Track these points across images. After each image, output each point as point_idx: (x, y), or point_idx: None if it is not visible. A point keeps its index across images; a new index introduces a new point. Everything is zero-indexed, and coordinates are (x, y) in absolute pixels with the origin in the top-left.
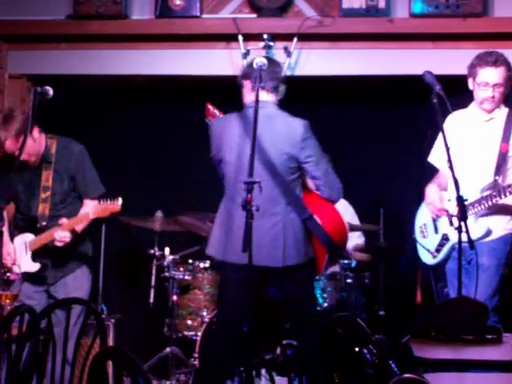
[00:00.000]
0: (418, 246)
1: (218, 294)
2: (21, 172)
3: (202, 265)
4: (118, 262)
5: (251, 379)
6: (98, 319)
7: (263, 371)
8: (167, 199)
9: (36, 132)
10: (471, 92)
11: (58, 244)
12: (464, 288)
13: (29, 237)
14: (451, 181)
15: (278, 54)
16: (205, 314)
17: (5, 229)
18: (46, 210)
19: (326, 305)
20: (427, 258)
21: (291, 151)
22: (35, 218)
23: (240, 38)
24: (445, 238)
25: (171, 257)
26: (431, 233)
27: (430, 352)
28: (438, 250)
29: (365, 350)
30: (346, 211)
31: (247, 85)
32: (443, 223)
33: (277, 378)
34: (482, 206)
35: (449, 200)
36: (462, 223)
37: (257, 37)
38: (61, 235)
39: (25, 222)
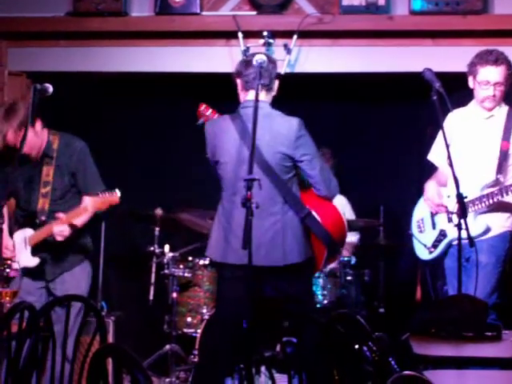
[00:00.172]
0: (414, 241)
1: (217, 293)
2: (22, 167)
3: (201, 262)
4: (117, 260)
5: (251, 376)
6: (98, 316)
7: (263, 368)
8: (167, 196)
9: (38, 126)
10: (471, 89)
11: (58, 238)
12: (463, 285)
13: (28, 232)
14: (451, 178)
15: (278, 51)
16: (204, 311)
17: (5, 226)
18: (45, 205)
19: (325, 302)
20: (423, 253)
21: (286, 150)
22: (35, 212)
23: (240, 35)
24: (442, 234)
25: (171, 254)
26: (428, 228)
27: (429, 349)
28: (434, 246)
29: (364, 348)
30: (344, 208)
31: (239, 83)
32: (441, 219)
33: (276, 376)
34: (483, 204)
35: (448, 196)
36: (462, 220)
37: (257, 34)
38: (59, 229)
39: (24, 218)
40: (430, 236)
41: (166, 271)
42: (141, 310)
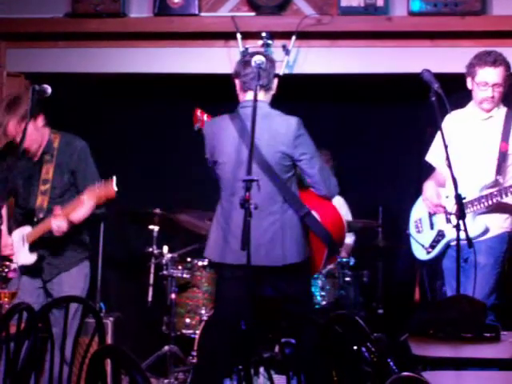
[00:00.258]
0: (412, 241)
1: (216, 293)
2: (21, 164)
3: (200, 263)
4: (116, 260)
5: (249, 377)
6: (97, 317)
7: (261, 369)
8: (166, 197)
9: (40, 122)
10: (470, 90)
11: (56, 233)
12: (461, 286)
13: (26, 229)
14: (450, 179)
15: (277, 52)
16: (203, 312)
17: (3, 227)
18: (44, 203)
19: (324, 303)
20: (420, 253)
21: (285, 149)
22: (33, 210)
23: (238, 36)
24: (440, 235)
25: (170, 255)
26: (426, 228)
27: (428, 350)
28: (432, 246)
29: (363, 348)
30: (341, 209)
31: (238, 83)
32: (439, 219)
33: (275, 377)
34: (482, 205)
35: (447, 197)
36: (461, 221)
37: (255, 35)
38: (57, 223)
39: (23, 216)
40: (427, 236)
41: (165, 272)
42: (139, 311)
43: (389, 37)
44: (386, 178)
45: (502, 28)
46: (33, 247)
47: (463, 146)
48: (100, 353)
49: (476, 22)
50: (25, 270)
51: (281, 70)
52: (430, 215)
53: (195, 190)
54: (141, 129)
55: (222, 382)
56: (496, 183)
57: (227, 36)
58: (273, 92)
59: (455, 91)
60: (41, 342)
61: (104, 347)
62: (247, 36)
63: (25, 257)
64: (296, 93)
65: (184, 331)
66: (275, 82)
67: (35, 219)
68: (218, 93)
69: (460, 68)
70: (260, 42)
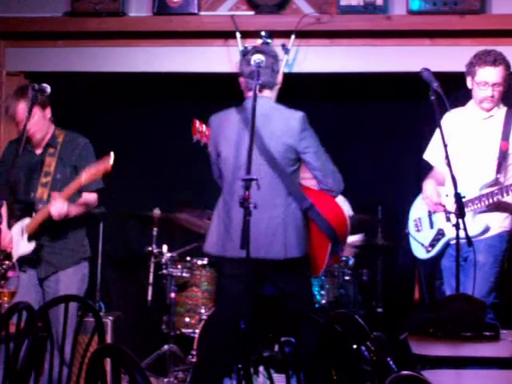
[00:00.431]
0: (411, 240)
1: (216, 291)
2: (23, 158)
3: (199, 262)
4: (115, 260)
5: (249, 376)
6: (96, 317)
7: (261, 368)
8: (165, 196)
9: (48, 112)
10: (469, 89)
11: (56, 217)
12: (460, 285)
13: (25, 221)
14: (449, 177)
15: (276, 51)
16: (203, 311)
17: (2, 226)
18: (44, 195)
19: (323, 302)
20: (420, 252)
21: (290, 142)
22: (33, 203)
23: (238, 35)
24: (440, 233)
25: (169, 254)
26: (426, 227)
27: (428, 349)
28: (432, 245)
29: (363, 347)
30: (342, 206)
31: (242, 82)
32: (439, 218)
33: (275, 376)
34: (482, 203)
35: (446, 195)
36: (460, 220)
37: (254, 34)
38: (57, 206)
39: (23, 210)
40: (427, 235)
41: (164, 271)
42: (139, 310)
43: (388, 36)
44: (385, 177)
45: (502, 27)
46: (31, 237)
47: (463, 144)
48: (100, 352)
49: (475, 20)
50: (24, 262)
51: (280, 69)
52: (430, 214)
53: (194, 190)
54: (140, 128)
55: (221, 381)
56: (496, 182)
57: (226, 35)
58: (278, 87)
59: (455, 90)
60: (40, 341)
61: (104, 346)
62: (246, 35)
63: (23, 247)
64: (295, 92)
65: (183, 330)
66: (280, 77)
67: (35, 210)
68: (217, 92)
69: (459, 67)
70: (259, 41)
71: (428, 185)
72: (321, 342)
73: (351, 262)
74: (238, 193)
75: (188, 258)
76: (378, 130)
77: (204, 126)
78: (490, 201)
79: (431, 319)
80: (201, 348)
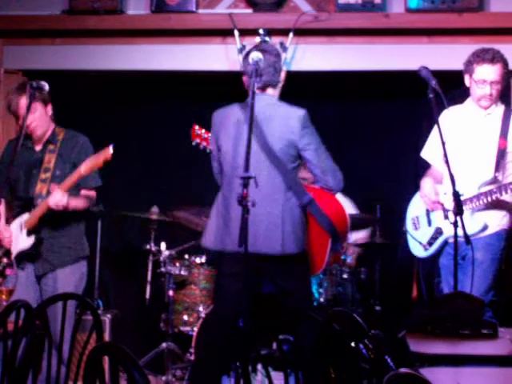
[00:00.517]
0: (409, 238)
1: (215, 289)
2: (23, 155)
3: (198, 260)
4: (113, 258)
5: (247, 374)
6: (94, 314)
7: (259, 366)
8: (163, 194)
9: (50, 109)
10: (467, 87)
11: (54, 207)
12: (458, 283)
13: (24, 217)
14: (447, 175)
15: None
16: (201, 309)
17: (1, 223)
18: (43, 190)
19: (322, 300)
20: (418, 251)
21: (291, 137)
22: (32, 199)
23: (236, 33)
24: (438, 232)
25: (167, 252)
26: (424, 225)
27: (426, 347)
28: (430, 243)
29: (361, 345)
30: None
31: (245, 80)
32: (437, 216)
33: (273, 374)
34: (481, 202)
35: (445, 193)
36: (458, 218)
37: (253, 32)
38: (55, 197)
39: (22, 206)
40: (425, 233)
41: (163, 269)
42: (137, 308)
43: (386, 34)
44: (383, 176)
45: (500, 25)
46: (30, 232)
47: (461, 142)
48: (98, 350)
49: (473, 18)
50: (23, 258)
51: (282, 66)
52: (428, 212)
53: (192, 187)
54: (137, 125)
55: (219, 378)
56: (495, 180)
57: (225, 33)
58: (281, 84)
59: (452, 88)
60: (38, 339)
61: (102, 344)
62: (245, 33)
63: (23, 242)
64: (293, 90)
65: (182, 328)
66: (283, 74)
67: (34, 206)
68: (215, 90)
69: (457, 65)
70: (257, 39)
71: (426, 183)
72: (319, 340)
73: (349, 260)
74: (236, 190)
75: (186, 256)
76: (376, 128)
77: (203, 129)
78: (489, 199)
79: (429, 317)
80: (199, 346)
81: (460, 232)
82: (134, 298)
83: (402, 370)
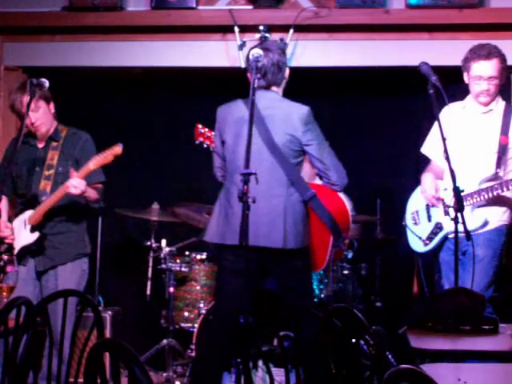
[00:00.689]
0: (409, 233)
1: (216, 285)
2: (26, 152)
3: (198, 256)
4: (114, 254)
5: (248, 371)
6: (95, 311)
7: (260, 363)
8: (164, 191)
9: (52, 107)
10: (467, 84)
11: (73, 191)
12: (459, 279)
13: (27, 213)
14: (447, 171)
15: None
16: (202, 305)
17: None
18: (47, 187)
19: (322, 296)
20: (417, 246)
21: (294, 133)
22: (35, 195)
23: (236, 29)
24: (438, 227)
25: (168, 249)
26: (424, 220)
27: (427, 343)
28: (429, 238)
29: (362, 341)
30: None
31: (249, 77)
32: (437, 212)
33: (274, 370)
34: (482, 197)
35: (445, 189)
36: (459, 214)
37: (253, 28)
38: (76, 181)
39: (24, 203)
40: (425, 228)
41: (163, 266)
42: (138, 305)
43: (387, 30)
44: (384, 170)
45: (500, 21)
46: (34, 228)
47: (462, 138)
48: (99, 347)
49: (474, 14)
50: (25, 253)
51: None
52: (428, 207)
53: (193, 184)
54: (138, 122)
55: (220, 375)
56: (496, 176)
57: (225, 29)
58: (285, 81)
59: (453, 84)
60: (39, 336)
61: (102, 341)
62: (245, 29)
63: (26, 237)
64: (293, 86)
65: (182, 325)
66: (287, 71)
67: (38, 201)
68: (215, 86)
69: (458, 61)
70: (257, 36)
71: (426, 178)
72: (320, 336)
73: (350, 256)
74: (238, 186)
75: (187, 253)
76: (377, 124)
77: (206, 128)
78: (490, 195)
79: (430, 313)
80: (200, 342)
81: (460, 228)
82: (135, 295)
83: (403, 366)
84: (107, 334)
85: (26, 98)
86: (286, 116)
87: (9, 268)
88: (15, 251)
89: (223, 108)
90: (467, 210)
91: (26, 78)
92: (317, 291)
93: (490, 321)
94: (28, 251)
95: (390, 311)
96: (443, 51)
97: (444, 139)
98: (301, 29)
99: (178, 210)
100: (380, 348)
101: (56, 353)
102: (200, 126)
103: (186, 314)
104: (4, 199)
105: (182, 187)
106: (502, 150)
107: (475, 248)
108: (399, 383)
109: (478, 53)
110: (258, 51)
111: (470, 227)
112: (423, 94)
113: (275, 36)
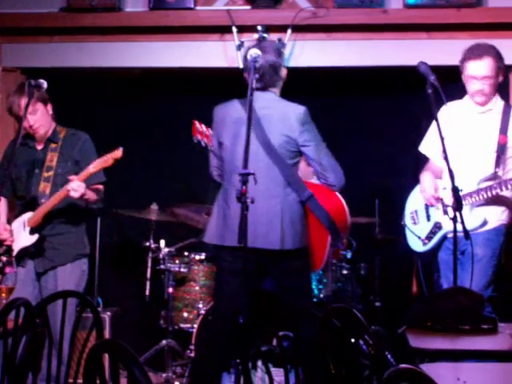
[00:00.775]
0: (408, 232)
1: (215, 286)
2: (24, 153)
3: (197, 257)
4: (113, 255)
5: (247, 371)
6: (94, 312)
7: (259, 363)
8: (163, 191)
9: (50, 109)
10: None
11: (73, 194)
12: (458, 279)
13: (27, 215)
14: (446, 170)
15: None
16: (201, 306)
17: (1, 221)
18: (46, 189)
19: (321, 296)
20: (416, 245)
21: (291, 134)
22: (35, 197)
23: (234, 29)
24: (437, 226)
25: (167, 249)
26: (423, 220)
27: (426, 342)
28: (428, 238)
29: (361, 341)
30: None
31: (247, 78)
32: (436, 211)
33: (273, 370)
34: (481, 197)
35: (444, 188)
36: (458, 213)
37: (251, 28)
38: (76, 184)
39: (24, 205)
40: (424, 228)
41: (162, 266)
42: (137, 306)
43: (385, 29)
44: (382, 170)
45: (498, 20)
46: (34, 230)
47: (461, 138)
48: (98, 347)
49: (472, 14)
50: (24, 255)
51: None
52: (427, 207)
53: (193, 184)
54: (136, 122)
55: (220, 375)
56: (495, 176)
57: (223, 30)
58: (282, 82)
59: (451, 83)
60: (38, 337)
61: (102, 342)
62: (243, 30)
63: (25, 239)
64: (292, 86)
65: (182, 325)
66: (284, 71)
67: (38, 203)
68: (213, 87)
69: (456, 60)
70: (256, 36)
71: (425, 177)
72: (319, 336)
73: (349, 256)
74: (236, 186)
75: (186, 253)
76: (375, 124)
77: (203, 125)
78: (489, 194)
79: (429, 313)
80: (199, 343)
81: (459, 227)
82: (134, 296)
83: (402, 365)
84: (106, 334)
85: (24, 101)
86: (282, 116)
87: (7, 269)
88: (14, 253)
89: (220, 108)
90: (466, 210)
91: (24, 79)
92: (316, 291)
93: (489, 320)
94: (27, 253)
95: (389, 311)
96: (441, 51)
97: (442, 139)
98: (299, 29)
99: (177, 211)
100: (379, 348)
101: (55, 354)
102: (197, 123)
103: (185, 314)
104: (3, 201)
105: (182, 187)
106: (501, 149)
107: (474, 247)
108: (398, 383)
109: (471, 52)
110: (256, 51)
111: (468, 227)
112: (422, 94)
113: (273, 36)
